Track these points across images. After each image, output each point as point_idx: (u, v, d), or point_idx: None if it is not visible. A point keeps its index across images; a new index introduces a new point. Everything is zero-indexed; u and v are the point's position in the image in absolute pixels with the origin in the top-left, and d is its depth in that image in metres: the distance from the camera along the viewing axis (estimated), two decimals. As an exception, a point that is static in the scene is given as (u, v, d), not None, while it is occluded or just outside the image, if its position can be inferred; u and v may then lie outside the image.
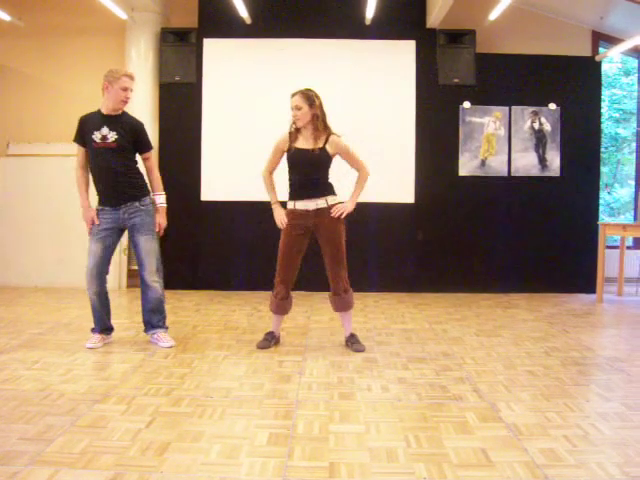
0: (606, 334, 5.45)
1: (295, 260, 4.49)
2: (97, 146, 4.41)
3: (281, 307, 4.60)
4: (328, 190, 4.47)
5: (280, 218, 4.47)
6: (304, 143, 4.43)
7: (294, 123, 4.44)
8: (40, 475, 2.44)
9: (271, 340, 4.63)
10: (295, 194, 4.47)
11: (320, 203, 4.41)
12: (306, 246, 4.53)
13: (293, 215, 4.46)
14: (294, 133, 4.47)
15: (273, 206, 4.54)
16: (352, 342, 4.61)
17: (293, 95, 4.40)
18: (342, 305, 4.59)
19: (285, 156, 4.52)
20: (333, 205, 4.43)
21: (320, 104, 4.41)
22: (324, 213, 4.42)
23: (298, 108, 4.35)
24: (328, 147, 4.41)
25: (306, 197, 4.42)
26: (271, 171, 4.60)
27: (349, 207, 4.45)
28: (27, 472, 2.46)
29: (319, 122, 4.39)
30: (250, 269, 7.17)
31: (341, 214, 4.41)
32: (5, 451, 2.65)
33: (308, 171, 4.42)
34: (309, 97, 4.36)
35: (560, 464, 2.59)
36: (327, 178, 4.51)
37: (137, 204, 4.51)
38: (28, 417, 3.07)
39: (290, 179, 4.50)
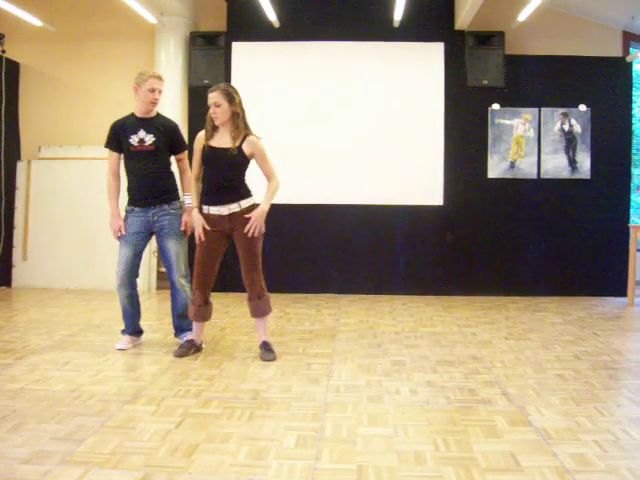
0: (637, 338, 5.37)
1: (211, 266, 4.33)
2: (134, 150, 4.43)
3: (199, 314, 4.40)
4: (242, 194, 4.27)
5: (200, 222, 4.26)
6: (220, 142, 4.23)
7: (212, 120, 4.23)
8: (71, 475, 2.47)
9: (190, 348, 4.45)
10: (208, 199, 4.28)
11: (233, 208, 4.22)
12: (224, 250, 4.38)
13: (207, 220, 4.27)
14: (210, 131, 4.27)
15: (193, 211, 4.34)
16: (264, 350, 4.39)
17: (211, 91, 4.17)
18: (256, 311, 4.40)
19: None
20: (247, 208, 4.25)
21: (240, 101, 4.22)
22: (238, 217, 4.24)
23: (217, 105, 4.14)
24: (245, 147, 4.20)
25: (219, 204, 4.24)
26: (197, 176, 4.38)
27: (260, 219, 4.24)
28: (58, 471, 2.50)
29: (239, 120, 4.20)
30: (278, 271, 7.17)
31: (255, 231, 4.23)
32: (36, 450, 2.70)
33: (223, 172, 4.22)
34: (229, 93, 4.15)
35: (590, 469, 2.57)
36: (243, 181, 4.31)
37: (166, 207, 4.53)
38: (59, 417, 3.11)
39: (204, 180, 4.31)
